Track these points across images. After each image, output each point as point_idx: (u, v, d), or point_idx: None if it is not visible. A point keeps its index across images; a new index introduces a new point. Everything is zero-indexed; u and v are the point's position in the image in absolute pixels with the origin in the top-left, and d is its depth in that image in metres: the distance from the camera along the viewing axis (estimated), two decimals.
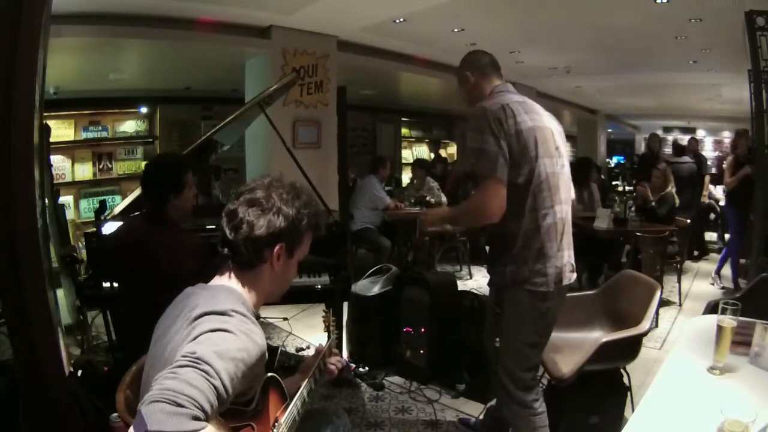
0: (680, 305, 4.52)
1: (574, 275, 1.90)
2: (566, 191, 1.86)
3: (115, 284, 2.28)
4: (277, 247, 1.19)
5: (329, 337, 1.68)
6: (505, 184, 1.70)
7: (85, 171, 5.81)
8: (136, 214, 2.58)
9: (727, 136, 13.45)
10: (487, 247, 2.06)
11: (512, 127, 1.71)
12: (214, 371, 0.91)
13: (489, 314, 2.00)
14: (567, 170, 1.88)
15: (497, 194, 1.69)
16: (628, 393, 2.26)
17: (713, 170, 10.94)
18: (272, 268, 1.21)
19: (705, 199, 7.13)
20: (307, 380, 1.40)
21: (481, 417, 2.53)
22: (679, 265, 4.60)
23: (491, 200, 1.70)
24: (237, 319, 1.05)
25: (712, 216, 7.08)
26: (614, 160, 14.10)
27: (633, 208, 4.62)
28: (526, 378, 1.85)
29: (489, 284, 1.97)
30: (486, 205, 1.71)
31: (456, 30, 4.95)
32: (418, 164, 6.24)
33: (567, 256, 1.85)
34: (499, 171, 1.68)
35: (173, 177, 2.08)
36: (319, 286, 2.76)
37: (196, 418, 0.84)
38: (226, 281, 1.20)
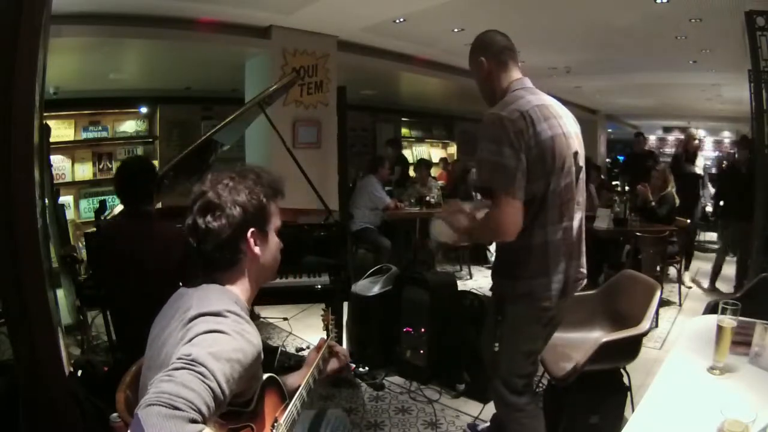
0: (680, 305, 4.52)
1: (583, 283, 1.83)
2: (581, 199, 1.78)
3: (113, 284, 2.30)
4: (248, 235, 1.18)
5: (328, 335, 1.67)
6: (521, 201, 1.59)
7: (85, 171, 5.80)
8: (116, 214, 2.72)
9: (727, 136, 13.47)
10: (491, 249, 2.01)
11: (532, 139, 1.58)
12: (210, 373, 0.91)
13: (489, 318, 1.96)
14: (582, 176, 1.78)
15: (515, 212, 1.58)
16: (628, 393, 2.26)
17: (713, 170, 10.91)
18: (254, 255, 1.20)
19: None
20: (305, 380, 1.40)
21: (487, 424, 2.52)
22: (679, 265, 4.60)
23: (510, 218, 1.58)
24: (231, 320, 1.05)
25: (713, 217, 7.09)
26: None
27: (629, 206, 4.61)
28: (518, 384, 1.81)
29: (491, 290, 1.91)
30: (505, 223, 1.59)
31: (456, 30, 4.95)
32: (424, 164, 6.28)
33: (575, 266, 1.77)
34: (517, 187, 1.57)
35: (152, 183, 2.24)
36: (319, 286, 2.75)
37: (193, 421, 0.84)
38: (216, 282, 1.19)
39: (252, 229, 1.18)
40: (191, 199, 1.19)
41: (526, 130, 1.58)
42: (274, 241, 1.26)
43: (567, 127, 1.73)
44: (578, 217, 1.76)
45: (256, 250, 1.19)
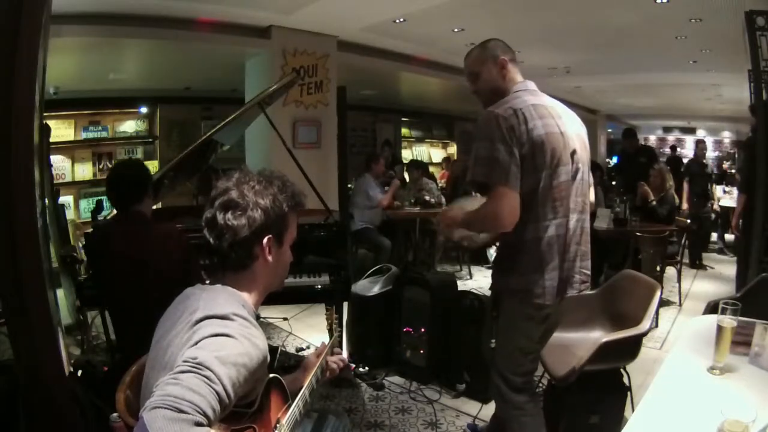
0: (680, 305, 4.52)
1: (584, 286, 1.83)
2: (580, 199, 1.77)
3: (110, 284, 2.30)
4: (265, 241, 1.18)
5: (331, 335, 1.67)
6: (518, 193, 1.63)
7: (85, 171, 5.81)
8: (108, 218, 2.70)
9: (727, 136, 13.48)
10: (492, 250, 2.02)
11: (524, 134, 1.63)
12: (216, 377, 0.91)
13: (487, 314, 1.97)
14: (582, 176, 1.78)
15: (511, 203, 1.62)
16: (628, 393, 2.26)
17: (714, 170, 10.88)
18: (266, 262, 1.20)
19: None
20: (308, 380, 1.40)
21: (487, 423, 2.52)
22: (679, 265, 4.60)
23: (505, 208, 1.62)
24: (238, 323, 1.04)
25: (712, 216, 7.08)
26: (614, 159, 14.11)
27: (629, 206, 4.60)
28: (517, 381, 1.82)
29: (490, 288, 1.93)
30: (500, 213, 1.64)
31: (456, 30, 4.95)
32: (414, 166, 6.32)
33: (575, 267, 1.78)
34: (512, 180, 1.61)
35: (143, 182, 2.19)
36: (319, 286, 2.75)
37: (199, 424, 0.84)
38: (224, 283, 1.19)
39: (269, 236, 1.18)
40: (213, 194, 1.19)
41: (517, 126, 1.63)
42: (287, 252, 1.27)
43: (566, 127, 1.75)
44: (575, 217, 1.76)
45: (270, 258, 1.20)
